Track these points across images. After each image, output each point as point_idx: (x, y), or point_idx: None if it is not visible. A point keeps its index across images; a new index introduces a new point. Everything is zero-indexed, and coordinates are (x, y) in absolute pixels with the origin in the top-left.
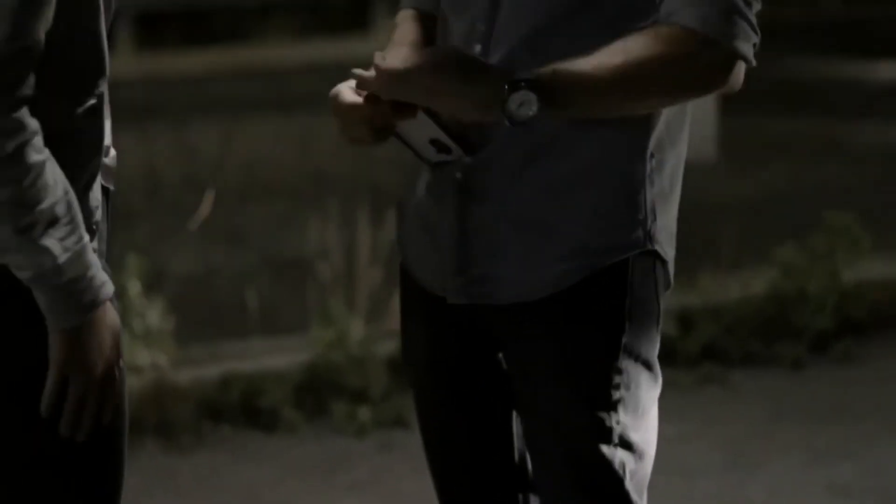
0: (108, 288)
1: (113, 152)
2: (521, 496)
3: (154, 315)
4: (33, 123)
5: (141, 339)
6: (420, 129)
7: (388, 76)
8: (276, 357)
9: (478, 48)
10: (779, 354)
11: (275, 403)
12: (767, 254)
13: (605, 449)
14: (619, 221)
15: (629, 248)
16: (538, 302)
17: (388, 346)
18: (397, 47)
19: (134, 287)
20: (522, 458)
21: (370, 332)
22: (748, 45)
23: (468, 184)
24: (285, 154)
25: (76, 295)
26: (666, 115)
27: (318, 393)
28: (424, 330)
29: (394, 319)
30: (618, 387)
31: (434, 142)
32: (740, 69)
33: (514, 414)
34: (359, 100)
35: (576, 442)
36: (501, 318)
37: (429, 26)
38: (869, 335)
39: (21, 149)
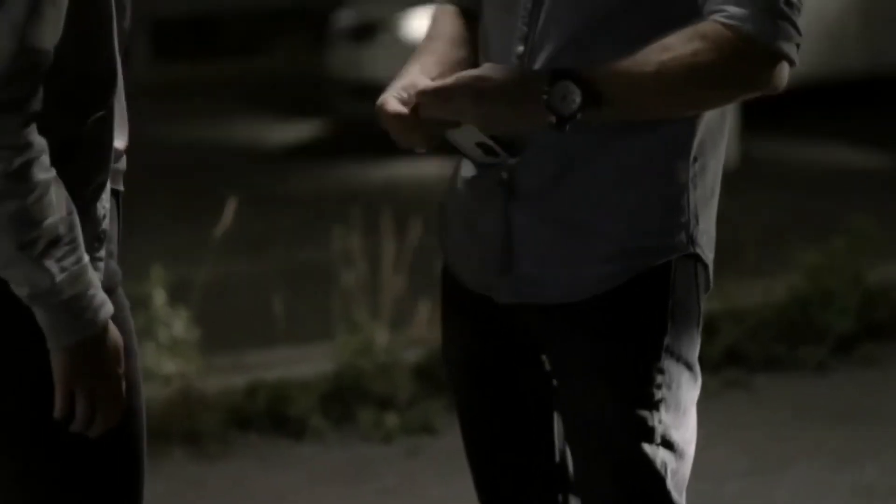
0: (108, 308)
1: (124, 157)
2: (561, 496)
3: (179, 325)
4: (40, 141)
5: (167, 349)
6: (467, 134)
7: (431, 93)
8: (302, 365)
9: (520, 49)
10: (802, 358)
11: (301, 411)
12: (790, 257)
13: (647, 448)
14: (663, 224)
15: (672, 251)
16: (582, 302)
17: (414, 353)
18: (433, 43)
19: (159, 297)
20: (563, 459)
21: (395, 340)
22: (790, 44)
23: (513, 184)
24: (306, 162)
25: (74, 314)
26: (707, 119)
27: (344, 400)
28: (466, 329)
29: (419, 326)
30: (660, 386)
31: (480, 145)
32: (783, 69)
33: (556, 414)
34: (404, 110)
35: (618, 441)
36: (545, 318)
37: (467, 21)
38: (892, 337)
39: (27, 166)
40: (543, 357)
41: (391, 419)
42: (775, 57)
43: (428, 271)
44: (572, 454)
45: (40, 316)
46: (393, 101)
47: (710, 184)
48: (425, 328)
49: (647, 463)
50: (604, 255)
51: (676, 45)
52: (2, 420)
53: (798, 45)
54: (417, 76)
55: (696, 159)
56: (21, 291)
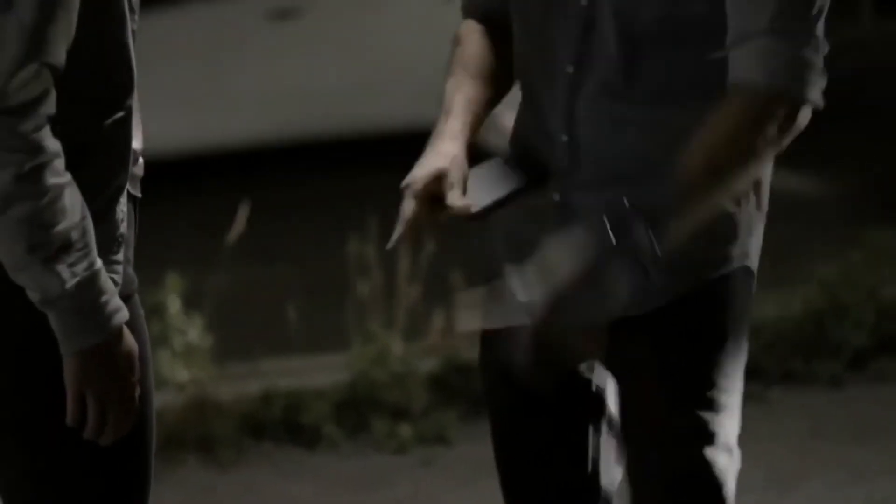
0: (122, 314)
1: (141, 160)
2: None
3: (194, 332)
4: (54, 145)
5: (182, 357)
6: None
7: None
8: (317, 374)
9: (570, 69)
10: (817, 372)
11: (316, 420)
12: (806, 271)
13: (708, 452)
14: (721, 238)
15: (731, 263)
16: (645, 314)
17: (429, 363)
18: (462, 79)
19: (174, 304)
20: (596, 468)
21: (410, 349)
22: (816, 90)
23: (568, 204)
24: (323, 168)
25: (86, 319)
26: None
27: (358, 409)
28: (506, 337)
29: (434, 336)
30: (721, 391)
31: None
32: (807, 111)
33: (590, 423)
34: (409, 218)
35: (679, 446)
36: (607, 331)
37: (493, 41)
38: None
39: (39, 170)
40: (583, 367)
41: (405, 429)
42: (804, 106)
43: (442, 281)
44: (630, 457)
45: (53, 320)
46: (410, 203)
47: (764, 196)
48: (440, 338)
49: (709, 467)
50: (664, 270)
51: (716, 131)
52: (15, 422)
53: (822, 87)
54: (449, 160)
55: None
56: (33, 296)
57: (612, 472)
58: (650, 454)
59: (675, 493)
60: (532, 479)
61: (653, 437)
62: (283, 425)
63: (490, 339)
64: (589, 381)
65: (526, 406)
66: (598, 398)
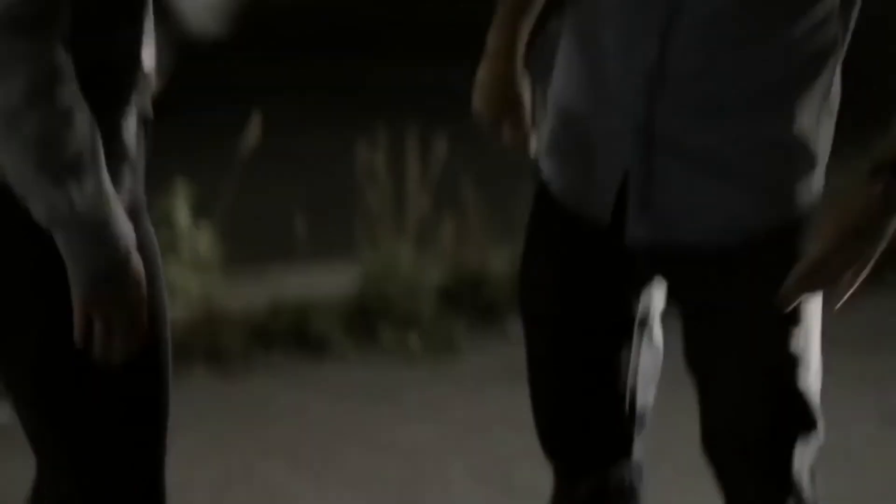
0: (130, 235)
1: (152, 80)
2: (625, 429)
3: (203, 242)
4: (66, 62)
5: (190, 266)
6: None
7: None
8: (325, 283)
9: (656, 41)
10: None
11: (324, 329)
12: None
13: (801, 374)
14: (803, 176)
15: (811, 196)
16: (731, 247)
17: (438, 272)
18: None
19: (183, 214)
20: (634, 383)
21: (419, 258)
22: None
23: (651, 127)
24: (333, 77)
25: (94, 240)
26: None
27: (367, 319)
28: (559, 251)
29: (443, 245)
30: (805, 318)
31: None
32: None
33: (632, 346)
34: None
35: (780, 374)
36: (685, 257)
37: None
38: None
39: (50, 86)
40: (641, 290)
41: (414, 338)
42: None
43: (453, 189)
44: (709, 390)
45: (60, 241)
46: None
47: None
48: (450, 247)
49: (802, 395)
50: (752, 201)
51: None
52: (23, 350)
53: None
54: (505, 83)
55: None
56: (40, 216)
57: (647, 392)
58: (737, 387)
59: (774, 414)
60: (568, 398)
61: (744, 369)
62: (292, 336)
63: (541, 254)
64: (637, 288)
65: (574, 323)
66: (645, 308)
